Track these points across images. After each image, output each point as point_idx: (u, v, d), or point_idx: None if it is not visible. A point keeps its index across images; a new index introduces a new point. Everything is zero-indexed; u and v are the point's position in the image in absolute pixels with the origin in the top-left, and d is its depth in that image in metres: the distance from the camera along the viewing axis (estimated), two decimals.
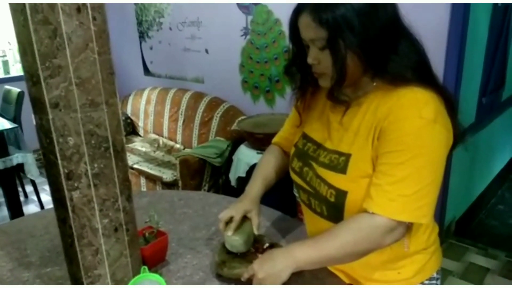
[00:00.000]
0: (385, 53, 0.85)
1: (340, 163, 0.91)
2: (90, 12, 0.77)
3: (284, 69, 1.02)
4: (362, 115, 0.91)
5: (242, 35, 3.09)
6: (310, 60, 0.90)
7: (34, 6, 0.74)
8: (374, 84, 0.90)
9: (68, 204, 0.86)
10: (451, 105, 0.88)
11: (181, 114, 3.41)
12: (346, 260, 0.91)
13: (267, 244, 1.07)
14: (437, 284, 1.02)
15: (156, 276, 0.93)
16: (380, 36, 0.83)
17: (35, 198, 3.30)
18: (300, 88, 1.02)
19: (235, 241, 1.01)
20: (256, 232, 1.02)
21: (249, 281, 0.98)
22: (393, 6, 0.86)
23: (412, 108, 0.83)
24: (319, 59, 0.88)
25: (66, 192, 0.85)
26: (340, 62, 0.84)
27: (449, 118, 0.87)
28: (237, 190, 2.68)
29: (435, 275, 1.01)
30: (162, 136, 3.59)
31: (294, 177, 1.06)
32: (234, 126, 2.99)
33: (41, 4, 0.74)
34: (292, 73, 1.00)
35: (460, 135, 0.91)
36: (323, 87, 0.95)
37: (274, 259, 0.89)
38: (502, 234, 2.79)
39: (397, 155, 0.83)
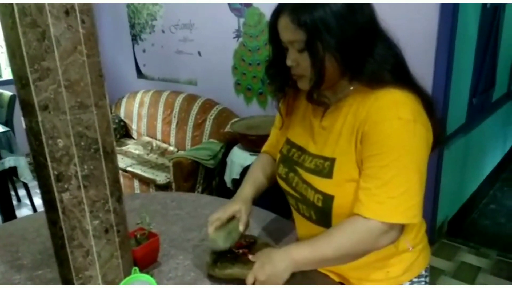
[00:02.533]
0: (361, 55, 0.86)
1: (326, 167, 0.92)
2: (78, 15, 0.78)
3: (265, 71, 1.02)
4: (343, 118, 0.92)
5: (234, 38, 3.10)
6: (289, 62, 0.90)
7: (22, 9, 0.74)
8: (351, 88, 0.91)
9: (59, 205, 0.87)
10: (429, 105, 0.89)
11: (174, 117, 3.41)
12: (342, 262, 0.92)
13: (250, 240, 1.08)
14: (425, 282, 1.03)
15: (146, 277, 0.93)
16: (357, 39, 0.84)
17: (28, 201, 3.28)
18: (280, 90, 1.03)
19: (213, 236, 1.01)
20: (241, 229, 1.02)
21: (242, 282, 0.99)
22: (370, 9, 0.87)
23: (390, 110, 0.84)
24: (298, 61, 0.89)
25: (56, 194, 0.86)
26: (318, 64, 0.85)
27: (428, 117, 0.88)
28: (232, 191, 2.69)
29: (423, 272, 1.02)
30: (156, 139, 3.59)
31: (280, 183, 1.06)
32: (227, 128, 3.00)
33: (29, 7, 0.74)
34: (273, 75, 1.01)
35: (443, 137, 0.92)
36: (304, 92, 0.96)
37: (273, 261, 0.90)
38: (494, 233, 2.81)
39: (381, 157, 0.84)
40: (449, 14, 2.11)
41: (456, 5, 2.11)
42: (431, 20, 2.16)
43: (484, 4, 2.53)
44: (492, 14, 2.72)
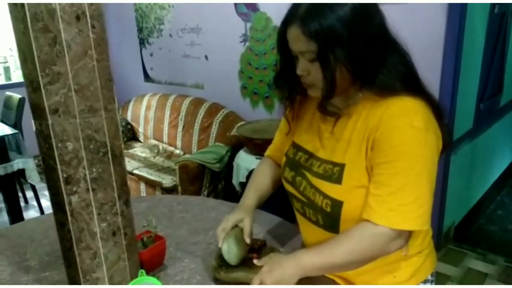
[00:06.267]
0: (373, 66, 0.86)
1: (335, 173, 0.92)
2: (89, 20, 0.79)
3: (273, 80, 1.02)
4: (352, 125, 0.92)
5: (241, 42, 3.11)
6: (299, 72, 0.90)
7: (34, 14, 0.76)
8: (361, 95, 0.91)
9: (67, 208, 0.88)
10: (439, 112, 0.90)
11: (181, 120, 3.43)
12: (350, 268, 0.92)
13: (258, 243, 1.08)
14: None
15: (153, 280, 0.94)
16: (369, 49, 0.84)
17: (35, 203, 3.31)
18: (288, 97, 1.03)
19: (225, 247, 1.00)
20: (248, 241, 1.02)
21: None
22: (381, 18, 0.87)
23: (403, 117, 0.84)
24: (309, 71, 0.89)
25: (65, 196, 0.87)
26: (330, 75, 0.85)
27: (438, 124, 0.88)
28: (238, 195, 2.69)
29: (429, 277, 1.02)
30: (162, 142, 3.61)
31: (287, 186, 1.06)
32: (233, 132, 3.01)
33: (41, 12, 0.76)
34: (281, 84, 1.01)
35: (449, 143, 0.93)
36: (311, 96, 0.96)
37: (282, 266, 0.89)
38: (501, 239, 2.79)
39: (393, 165, 0.84)
40: (457, 19, 2.11)
41: (463, 11, 2.11)
42: (438, 26, 2.16)
43: (492, 9, 2.53)
44: (500, 19, 2.71)
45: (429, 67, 2.19)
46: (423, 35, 2.18)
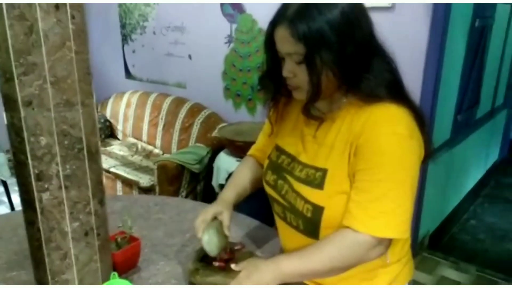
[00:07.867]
0: (359, 71, 0.86)
1: (317, 178, 0.91)
2: (69, 10, 0.76)
3: (259, 80, 1.01)
4: (336, 130, 0.91)
5: (226, 43, 3.09)
6: (285, 73, 0.89)
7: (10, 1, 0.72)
8: (345, 100, 0.91)
9: (37, 205, 0.84)
10: (421, 121, 0.90)
11: (162, 119, 3.37)
12: (330, 275, 0.91)
13: (237, 247, 1.07)
14: None
15: (125, 283, 0.91)
16: (356, 54, 0.84)
17: (5, 199, 3.19)
18: (273, 99, 1.02)
19: (207, 238, 1.00)
20: (228, 234, 1.01)
21: None
22: (369, 24, 0.87)
23: (386, 124, 0.84)
24: (295, 73, 0.88)
25: (35, 193, 0.83)
26: (316, 78, 0.84)
27: (420, 133, 0.88)
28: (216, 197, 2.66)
29: (406, 285, 1.02)
30: (141, 141, 3.54)
31: (268, 190, 1.05)
32: (214, 133, 2.98)
33: None
34: (266, 84, 1.00)
35: (430, 151, 0.93)
36: (296, 99, 0.95)
37: (260, 271, 0.88)
38: (474, 249, 2.85)
39: (375, 171, 0.84)
40: (439, 33, 2.14)
41: (445, 23, 2.15)
42: (420, 39, 2.19)
43: (473, 23, 2.59)
44: (480, 33, 2.78)
45: (410, 78, 2.19)
46: (405, 45, 2.20)
